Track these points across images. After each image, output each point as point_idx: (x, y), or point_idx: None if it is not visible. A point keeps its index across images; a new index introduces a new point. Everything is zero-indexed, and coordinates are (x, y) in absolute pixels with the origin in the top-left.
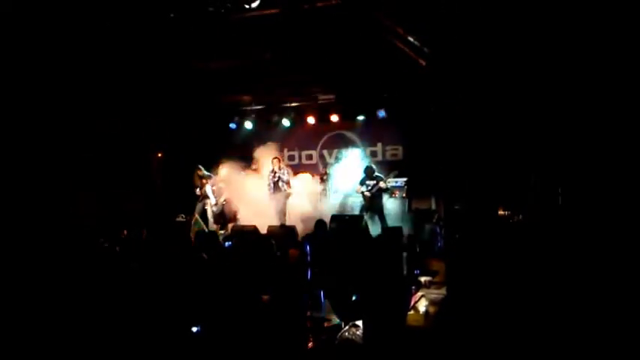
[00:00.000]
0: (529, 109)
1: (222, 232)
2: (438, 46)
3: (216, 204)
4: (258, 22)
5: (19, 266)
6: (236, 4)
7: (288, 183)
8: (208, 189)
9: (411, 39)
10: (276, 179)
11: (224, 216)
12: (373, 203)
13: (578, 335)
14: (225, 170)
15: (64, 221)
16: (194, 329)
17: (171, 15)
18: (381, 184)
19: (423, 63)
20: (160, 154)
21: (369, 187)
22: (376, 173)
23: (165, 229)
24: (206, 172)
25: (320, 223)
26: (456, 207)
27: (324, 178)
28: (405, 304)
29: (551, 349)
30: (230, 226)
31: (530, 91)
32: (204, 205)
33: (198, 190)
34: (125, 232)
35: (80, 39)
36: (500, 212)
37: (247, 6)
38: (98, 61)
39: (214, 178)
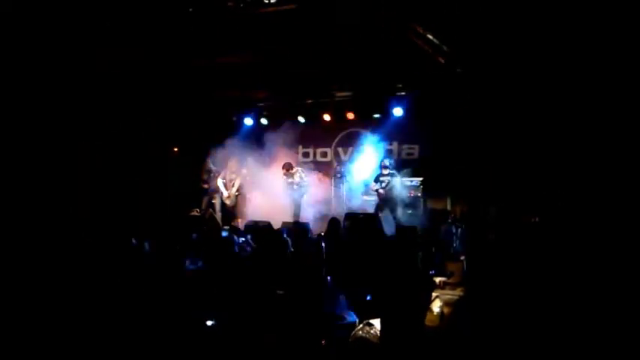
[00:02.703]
0: (548, 110)
1: (226, 227)
2: (458, 44)
3: (228, 196)
4: (276, 18)
5: (21, 266)
6: None
7: (303, 187)
8: (219, 182)
9: (430, 36)
10: (289, 182)
11: (236, 209)
12: (387, 202)
13: (591, 338)
14: (236, 162)
15: (72, 221)
16: (208, 323)
17: (190, 10)
18: (396, 180)
19: (442, 61)
20: (175, 149)
21: (384, 185)
22: (390, 170)
23: (181, 224)
24: (213, 167)
25: (334, 221)
26: (484, 208)
27: (338, 176)
28: (424, 304)
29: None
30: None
31: (551, 93)
32: (212, 199)
33: (205, 184)
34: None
35: (87, 38)
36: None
37: (265, 1)
38: (110, 59)
39: (225, 171)
